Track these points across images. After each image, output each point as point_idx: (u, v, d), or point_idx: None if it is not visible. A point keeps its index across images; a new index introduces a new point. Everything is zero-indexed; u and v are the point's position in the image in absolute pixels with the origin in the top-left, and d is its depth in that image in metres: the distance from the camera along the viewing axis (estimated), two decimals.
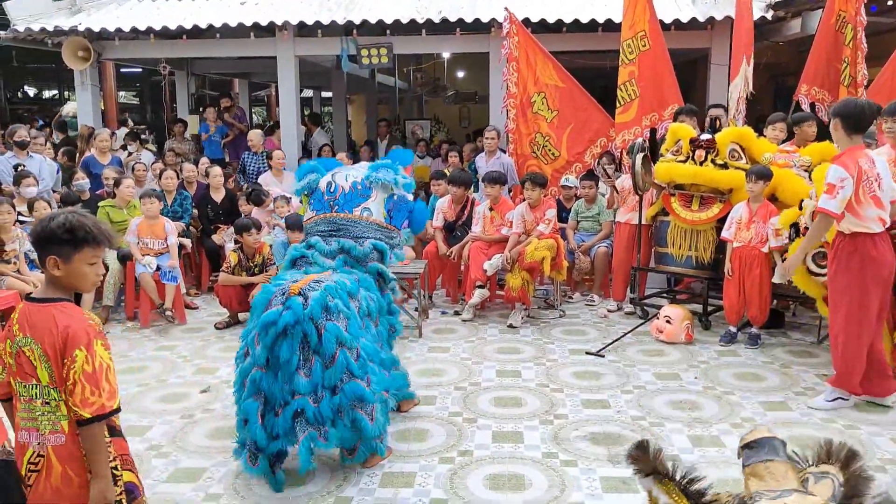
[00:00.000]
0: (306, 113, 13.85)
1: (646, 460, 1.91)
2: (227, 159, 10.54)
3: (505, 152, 7.90)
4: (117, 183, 7.11)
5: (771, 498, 1.78)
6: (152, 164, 8.47)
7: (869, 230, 4.11)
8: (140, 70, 16.81)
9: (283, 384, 3.37)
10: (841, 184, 4.02)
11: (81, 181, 7.44)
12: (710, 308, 6.17)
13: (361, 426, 3.50)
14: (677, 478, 1.89)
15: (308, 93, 17.00)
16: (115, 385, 2.22)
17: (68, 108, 13.21)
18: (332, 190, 4.23)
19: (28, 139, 7.47)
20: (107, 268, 6.70)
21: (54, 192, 7.32)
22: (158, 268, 6.53)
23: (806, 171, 5.62)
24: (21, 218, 6.31)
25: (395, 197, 4.30)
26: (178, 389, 4.91)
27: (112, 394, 2.19)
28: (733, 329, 5.75)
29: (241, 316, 6.60)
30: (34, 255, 6.03)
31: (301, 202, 4.62)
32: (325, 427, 3.39)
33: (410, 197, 4.45)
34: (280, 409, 3.39)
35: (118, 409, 2.23)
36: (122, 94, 19.20)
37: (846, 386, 4.36)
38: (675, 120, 6.71)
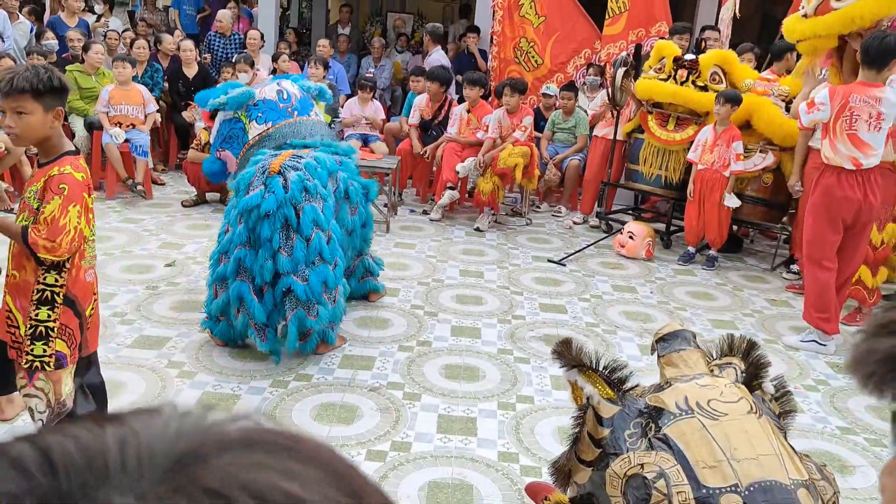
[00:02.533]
0: None
1: (570, 354, 2.03)
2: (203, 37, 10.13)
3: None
4: (86, 48, 6.86)
5: (685, 381, 1.95)
6: (123, 31, 8.15)
7: (839, 165, 4.09)
8: None
9: (263, 262, 3.40)
10: (820, 106, 4.20)
11: (51, 41, 7.16)
12: (673, 228, 6.31)
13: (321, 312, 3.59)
14: (601, 368, 2.01)
15: None
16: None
17: None
18: (285, 97, 4.16)
19: None
20: (73, 134, 6.55)
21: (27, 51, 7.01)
22: (128, 140, 6.39)
23: (783, 100, 5.66)
24: None
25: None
26: (144, 261, 4.93)
27: None
28: (692, 250, 5.91)
29: (209, 196, 6.56)
30: None
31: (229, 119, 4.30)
32: (315, 304, 3.44)
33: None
34: (265, 287, 3.44)
35: None
36: None
37: (814, 323, 4.32)
38: (669, 37, 6.63)
